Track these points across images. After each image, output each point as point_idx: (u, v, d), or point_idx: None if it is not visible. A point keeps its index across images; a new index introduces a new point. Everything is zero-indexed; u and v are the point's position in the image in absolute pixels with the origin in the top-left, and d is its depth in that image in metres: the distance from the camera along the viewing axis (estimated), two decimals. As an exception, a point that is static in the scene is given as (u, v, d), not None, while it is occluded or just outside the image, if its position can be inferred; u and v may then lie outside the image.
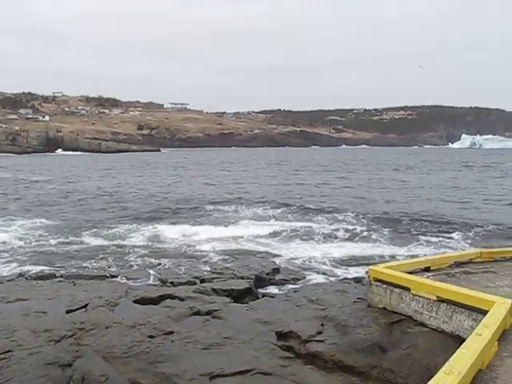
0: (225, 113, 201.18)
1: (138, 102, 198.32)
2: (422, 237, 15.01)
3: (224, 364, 5.92)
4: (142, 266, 11.38)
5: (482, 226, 16.88)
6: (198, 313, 7.72)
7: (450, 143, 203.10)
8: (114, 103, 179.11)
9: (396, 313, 6.44)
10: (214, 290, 8.93)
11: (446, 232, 15.83)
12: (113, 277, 10.25)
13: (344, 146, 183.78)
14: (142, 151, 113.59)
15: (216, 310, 7.77)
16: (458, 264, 7.87)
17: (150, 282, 9.94)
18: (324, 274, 10.82)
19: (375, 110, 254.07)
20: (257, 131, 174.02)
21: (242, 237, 14.83)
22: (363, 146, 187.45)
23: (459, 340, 4.77)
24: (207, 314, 7.68)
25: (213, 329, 7.04)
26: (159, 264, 11.43)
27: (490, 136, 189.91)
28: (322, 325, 6.73)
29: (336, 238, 14.97)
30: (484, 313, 4.93)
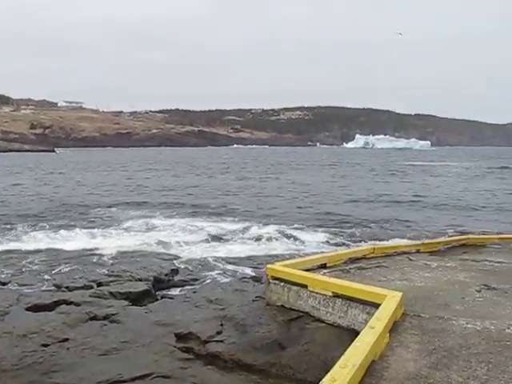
0: (122, 112, 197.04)
1: (30, 99, 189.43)
2: (320, 234, 15.55)
3: (123, 370, 5.76)
4: (35, 271, 10.78)
5: (374, 223, 17.79)
6: (94, 318, 7.44)
7: (344, 143, 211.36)
8: (4, 100, 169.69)
9: (294, 310, 6.53)
10: (111, 293, 8.65)
11: (343, 229, 16.51)
12: (3, 284, 9.65)
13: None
14: (35, 151, 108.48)
15: (113, 314, 7.53)
16: (353, 260, 8.16)
17: (45, 287, 9.42)
18: (224, 273, 10.81)
19: (272, 110, 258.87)
20: (154, 131, 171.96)
21: (140, 239, 14.53)
22: (265, 146, 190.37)
23: (354, 333, 4.91)
24: (104, 318, 7.43)
25: (110, 334, 6.82)
26: (54, 269, 10.88)
27: (382, 136, 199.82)
28: (222, 325, 6.71)
29: (237, 237, 15.06)
30: (376, 306, 5.12)
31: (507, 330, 4.89)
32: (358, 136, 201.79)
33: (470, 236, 10.51)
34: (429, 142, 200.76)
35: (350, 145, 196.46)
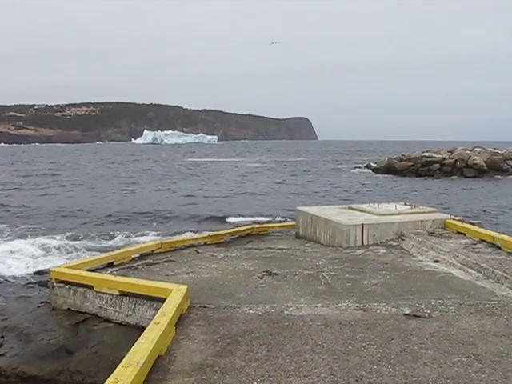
0: None
1: None
2: (119, 232, 15.45)
3: None
4: None
5: (172, 217, 18.15)
6: None
7: (133, 139, 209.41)
8: None
9: (81, 312, 6.25)
10: None
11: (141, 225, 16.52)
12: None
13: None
14: None
15: None
16: (141, 256, 8.07)
17: None
18: (6, 280, 10.03)
19: (57, 106, 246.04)
20: None
21: None
22: (51, 143, 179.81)
23: (143, 331, 4.85)
24: None
25: None
26: None
27: (170, 131, 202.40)
28: (2, 337, 6.16)
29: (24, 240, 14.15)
30: (163, 301, 5.10)
31: (286, 312, 5.22)
32: (146, 132, 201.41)
33: (255, 226, 11.06)
34: (216, 137, 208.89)
35: (139, 140, 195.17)
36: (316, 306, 5.44)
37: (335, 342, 4.43)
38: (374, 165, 53.36)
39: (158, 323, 4.25)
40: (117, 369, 3.37)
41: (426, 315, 5.11)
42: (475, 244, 7.93)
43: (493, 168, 43.39)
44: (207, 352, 4.21)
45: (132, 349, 3.72)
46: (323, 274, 6.85)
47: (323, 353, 4.20)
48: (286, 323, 4.88)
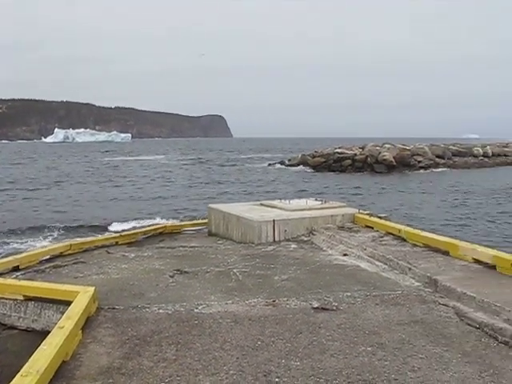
0: None
1: None
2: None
3: None
4: None
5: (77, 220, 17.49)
6: None
7: (43, 137, 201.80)
8: None
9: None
10: None
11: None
12: None
13: None
14: None
15: None
16: (49, 259, 7.77)
17: None
18: None
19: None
20: None
21: None
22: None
23: (49, 336, 4.68)
24: None
25: None
26: None
27: (82, 130, 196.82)
28: None
29: None
30: (70, 304, 4.93)
31: (195, 310, 5.19)
32: (57, 130, 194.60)
33: (167, 224, 10.95)
34: (129, 135, 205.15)
35: (49, 139, 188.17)
36: (226, 303, 5.45)
37: (244, 338, 4.46)
38: (287, 161, 54.25)
39: (63, 327, 4.10)
40: (14, 379, 3.22)
41: (334, 308, 5.25)
42: (382, 237, 8.23)
43: (402, 163, 45.37)
44: (115, 354, 4.12)
45: (33, 356, 3.57)
46: (234, 270, 6.88)
47: (232, 349, 4.21)
48: (196, 322, 4.85)
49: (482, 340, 4.43)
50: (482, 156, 54.38)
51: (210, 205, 10.75)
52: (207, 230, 10.32)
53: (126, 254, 8.06)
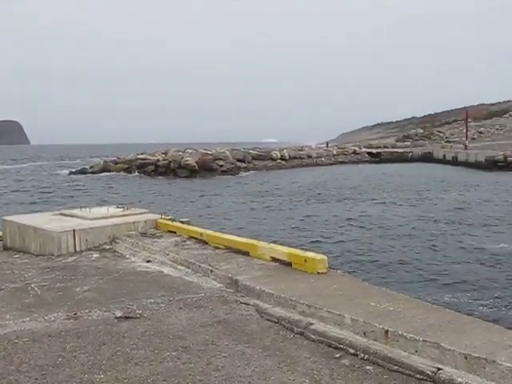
0: None
1: None
2: None
3: None
4: None
5: None
6: None
7: None
8: None
9: None
10: None
11: None
12: None
13: None
14: None
15: None
16: None
17: None
18: None
19: None
20: None
21: None
22: None
23: None
24: None
25: None
26: None
27: None
28: None
29: None
30: None
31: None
32: None
33: None
34: None
35: None
36: (23, 321, 5.07)
37: (44, 356, 4.19)
38: (89, 168, 52.57)
39: None
40: None
41: (138, 315, 5.16)
42: (185, 241, 8.32)
43: (204, 168, 46.54)
44: None
45: None
46: (32, 285, 6.43)
47: (30, 370, 3.92)
48: None
49: (280, 333, 4.69)
50: (280, 159, 58.32)
51: (4, 217, 9.91)
52: (1, 244, 9.51)
53: None
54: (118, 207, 10.57)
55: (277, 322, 4.92)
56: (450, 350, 3.77)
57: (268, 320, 5.01)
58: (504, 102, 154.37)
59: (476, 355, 3.62)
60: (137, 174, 46.59)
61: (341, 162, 65.00)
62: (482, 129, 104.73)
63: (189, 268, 6.93)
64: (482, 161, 53.50)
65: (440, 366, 3.72)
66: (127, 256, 7.99)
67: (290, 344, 4.43)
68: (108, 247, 8.56)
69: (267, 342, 4.46)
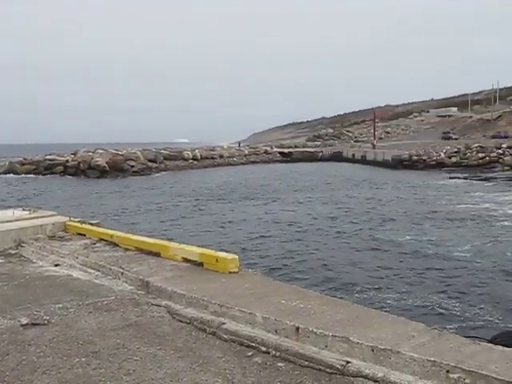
0: None
1: None
2: None
3: None
4: None
5: None
6: None
7: None
8: None
9: None
10: None
11: None
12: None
13: None
14: None
15: None
16: None
17: None
18: None
19: None
20: None
21: None
22: None
23: None
24: None
25: None
26: None
27: None
28: None
29: None
30: None
31: None
32: None
33: None
34: None
35: None
36: None
37: None
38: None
39: None
40: None
41: (46, 322, 4.99)
42: (95, 244, 8.12)
43: (115, 168, 45.58)
44: None
45: None
46: None
47: None
48: None
49: (193, 334, 4.70)
50: (192, 159, 58.14)
51: None
52: None
53: None
54: (24, 210, 10.16)
55: (189, 323, 4.93)
56: (357, 343, 3.93)
57: (180, 321, 5.00)
58: (408, 103, 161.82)
59: (382, 347, 3.80)
60: (45, 175, 44.92)
61: (253, 162, 65.95)
62: (388, 129, 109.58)
63: (99, 271, 6.78)
64: (389, 160, 56.13)
65: (349, 359, 3.87)
66: (34, 260, 7.70)
67: (202, 344, 4.45)
68: (14, 252, 8.21)
69: (179, 344, 4.46)
